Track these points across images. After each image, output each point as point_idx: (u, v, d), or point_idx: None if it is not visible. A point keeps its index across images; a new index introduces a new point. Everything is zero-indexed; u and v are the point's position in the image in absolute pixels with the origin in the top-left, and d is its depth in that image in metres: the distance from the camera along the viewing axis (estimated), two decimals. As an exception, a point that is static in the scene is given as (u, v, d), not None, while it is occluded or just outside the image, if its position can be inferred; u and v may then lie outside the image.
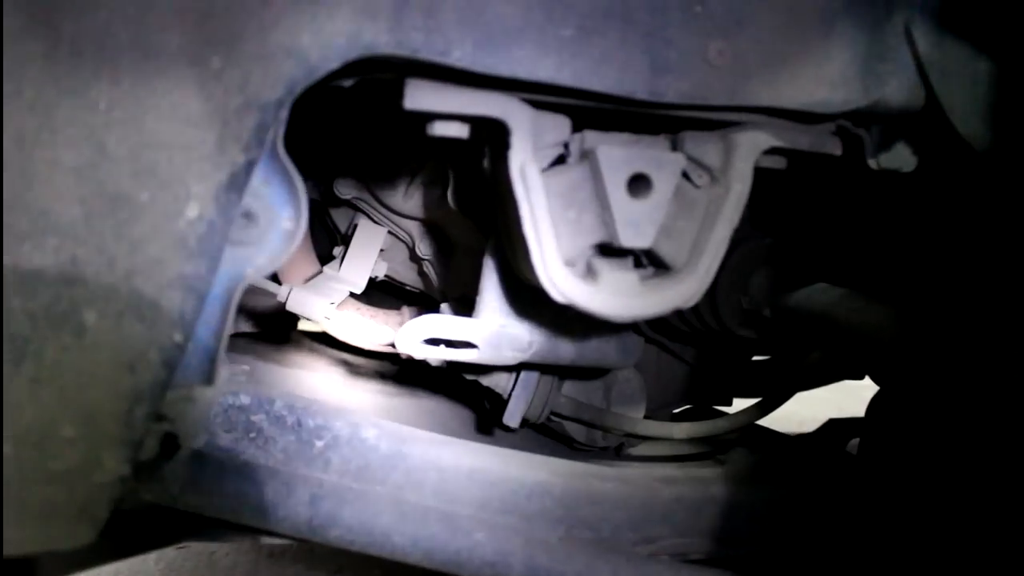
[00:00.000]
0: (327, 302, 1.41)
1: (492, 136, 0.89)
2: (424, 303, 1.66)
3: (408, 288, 1.64)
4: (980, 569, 1.16)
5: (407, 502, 0.94)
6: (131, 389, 0.72)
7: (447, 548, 0.90)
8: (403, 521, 0.90)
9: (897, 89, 0.89)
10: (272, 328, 1.74)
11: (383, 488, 1.00)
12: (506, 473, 1.06)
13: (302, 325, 2.01)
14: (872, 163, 0.96)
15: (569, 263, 0.89)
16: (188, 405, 0.78)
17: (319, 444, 1.01)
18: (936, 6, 0.89)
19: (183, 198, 0.73)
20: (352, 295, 1.50)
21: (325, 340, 1.68)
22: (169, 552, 1.98)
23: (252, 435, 1.00)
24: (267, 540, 1.01)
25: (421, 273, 1.57)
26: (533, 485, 1.06)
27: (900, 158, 0.97)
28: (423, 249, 1.49)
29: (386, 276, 1.59)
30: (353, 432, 1.02)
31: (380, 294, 1.79)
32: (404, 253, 1.57)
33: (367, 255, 1.50)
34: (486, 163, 0.94)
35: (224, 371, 0.85)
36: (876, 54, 0.87)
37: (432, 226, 1.47)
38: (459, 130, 0.87)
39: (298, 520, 0.88)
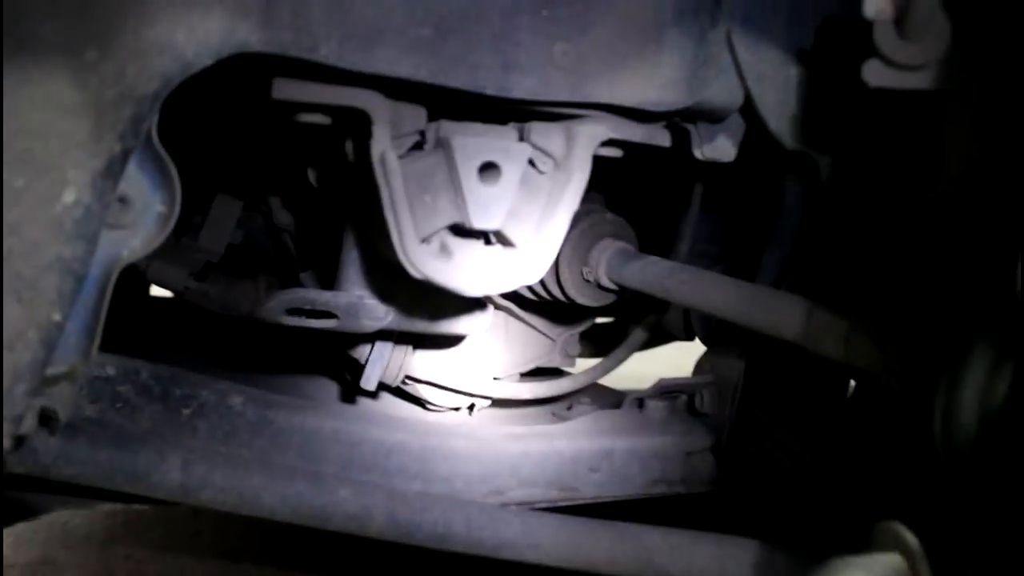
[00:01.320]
0: (186, 272, 1.44)
1: (354, 123, 0.96)
2: (281, 270, 1.70)
3: (266, 256, 1.67)
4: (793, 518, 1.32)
5: (274, 464, 1.01)
6: (11, 367, 0.76)
7: (313, 504, 0.97)
8: (271, 481, 0.97)
9: (719, 91, 1.00)
10: (123, 297, 1.74)
11: (250, 452, 1.07)
12: (366, 433, 1.14)
13: (154, 292, 2.01)
14: (697, 153, 1.08)
15: (425, 242, 0.97)
16: (66, 381, 0.82)
17: (186, 412, 1.06)
18: (755, 17, 1.01)
19: (59, 184, 0.76)
20: (210, 263, 1.53)
21: (184, 310, 1.70)
22: (19, 524, 1.95)
23: (119, 405, 1.04)
24: (123, 506, 1.05)
25: (279, 242, 1.61)
26: (392, 444, 1.15)
27: (721, 150, 1.09)
28: (281, 219, 1.53)
29: (244, 244, 1.62)
30: (219, 399, 1.08)
31: (239, 262, 1.81)
32: (262, 222, 1.60)
33: (225, 224, 1.53)
34: (348, 148, 1.00)
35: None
36: (701, 60, 0.98)
37: (290, 196, 1.51)
38: (322, 118, 0.94)
39: (172, 485, 0.93)
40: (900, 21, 0.79)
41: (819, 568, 0.71)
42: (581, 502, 1.27)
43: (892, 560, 0.73)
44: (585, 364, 1.60)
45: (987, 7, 0.77)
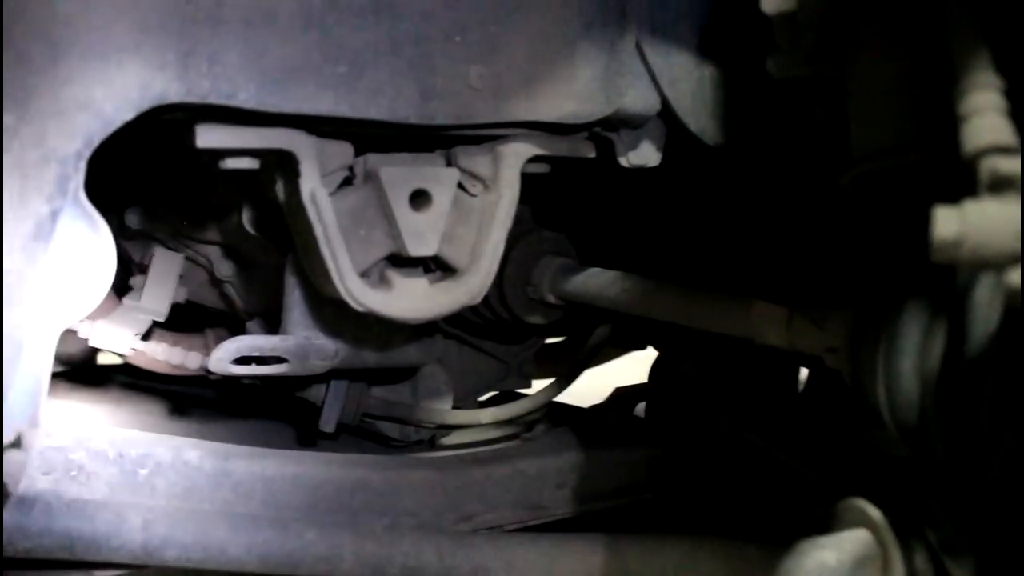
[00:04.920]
0: (132, 333, 1.42)
1: (282, 165, 0.96)
2: (229, 323, 1.69)
3: (211, 310, 1.66)
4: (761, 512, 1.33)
5: (238, 515, 1.00)
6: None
7: (281, 551, 0.97)
8: (236, 532, 0.96)
9: (635, 98, 1.03)
10: (75, 366, 1.72)
11: (212, 505, 1.05)
12: (328, 474, 1.14)
13: (102, 359, 1.98)
14: (623, 161, 1.11)
15: (364, 275, 0.98)
16: (16, 451, 0.81)
17: (143, 472, 1.05)
18: (662, 24, 1.03)
19: (-11, 252, 0.76)
20: (156, 324, 1.51)
21: (132, 372, 1.68)
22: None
23: (73, 473, 1.02)
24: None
25: (222, 294, 1.60)
26: (355, 482, 1.14)
27: (646, 155, 1.11)
28: (222, 271, 1.52)
29: (188, 300, 1.61)
30: (176, 456, 1.07)
31: (185, 319, 1.79)
32: (204, 276, 1.59)
33: (166, 282, 1.52)
34: (279, 190, 1.01)
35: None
36: (614, 70, 1.01)
37: (229, 248, 1.50)
38: (250, 163, 0.94)
39: (134, 547, 0.92)
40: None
41: (789, 554, 0.72)
42: (552, 519, 1.27)
43: (859, 535, 0.74)
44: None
45: None
